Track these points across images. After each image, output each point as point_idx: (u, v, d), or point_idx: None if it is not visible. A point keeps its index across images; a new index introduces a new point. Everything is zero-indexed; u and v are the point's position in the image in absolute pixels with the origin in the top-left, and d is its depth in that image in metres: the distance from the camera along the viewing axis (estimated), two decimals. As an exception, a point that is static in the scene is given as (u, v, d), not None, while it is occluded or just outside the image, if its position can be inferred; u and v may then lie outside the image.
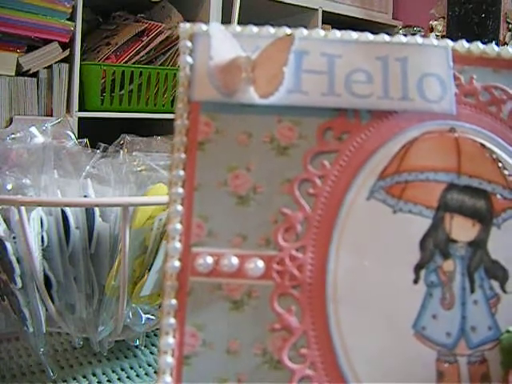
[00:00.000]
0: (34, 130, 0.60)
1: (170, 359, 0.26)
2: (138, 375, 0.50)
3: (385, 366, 0.26)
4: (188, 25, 0.29)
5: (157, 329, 0.55)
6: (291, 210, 0.27)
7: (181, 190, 0.27)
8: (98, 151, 0.59)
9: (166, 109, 1.91)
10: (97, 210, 0.51)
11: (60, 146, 0.58)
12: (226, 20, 1.79)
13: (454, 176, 0.28)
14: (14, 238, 0.49)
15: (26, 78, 1.66)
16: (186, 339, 0.26)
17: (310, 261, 0.27)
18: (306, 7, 2.23)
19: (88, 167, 0.56)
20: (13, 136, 0.59)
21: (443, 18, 2.03)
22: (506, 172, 0.28)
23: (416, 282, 0.27)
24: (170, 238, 0.27)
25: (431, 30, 2.10)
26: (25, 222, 0.46)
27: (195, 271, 0.26)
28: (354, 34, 0.29)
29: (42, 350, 0.47)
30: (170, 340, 0.26)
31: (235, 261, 0.26)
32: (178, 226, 0.27)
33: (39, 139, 0.59)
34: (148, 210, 0.51)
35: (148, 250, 0.52)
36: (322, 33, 0.29)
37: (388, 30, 2.44)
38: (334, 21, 2.26)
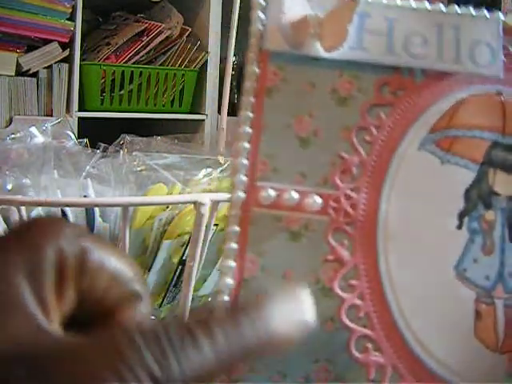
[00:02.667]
0: (34, 129, 0.61)
1: (230, 281, 0.28)
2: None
3: (427, 302, 0.28)
4: (261, -16, 0.31)
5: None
6: (348, 154, 0.30)
7: (248, 129, 0.29)
8: (98, 151, 0.61)
9: (165, 109, 1.92)
10: (97, 210, 0.52)
11: (60, 145, 0.60)
12: (226, 20, 1.80)
13: (499, 135, 0.30)
14: None
15: (25, 77, 1.67)
16: (246, 264, 0.28)
17: (364, 201, 0.29)
18: None
19: (88, 167, 0.57)
20: (13, 136, 0.60)
21: None
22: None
23: (459, 227, 0.29)
24: (237, 172, 0.29)
25: None
26: None
27: (258, 203, 0.29)
28: (413, 3, 0.31)
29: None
30: (232, 263, 0.28)
31: (295, 195, 0.29)
32: (245, 161, 0.29)
33: (39, 139, 0.60)
34: (148, 209, 0.53)
35: (148, 250, 0.54)
36: (384, 0, 0.31)
37: None
38: None
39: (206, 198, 0.48)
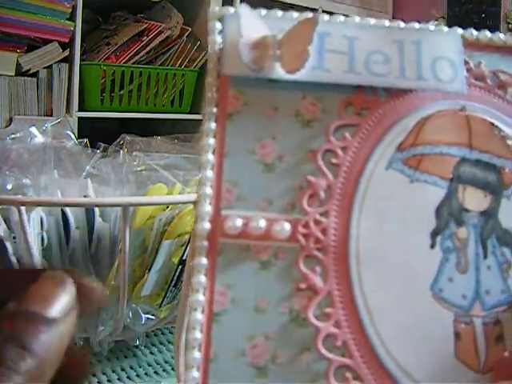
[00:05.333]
0: (33, 129, 0.60)
1: (199, 316, 0.27)
2: (138, 375, 0.51)
3: (405, 326, 0.28)
4: (217, 8, 0.31)
5: (157, 329, 0.55)
6: (315, 177, 0.29)
7: (211, 157, 0.28)
8: (98, 151, 0.60)
9: (165, 109, 1.90)
10: (97, 210, 0.52)
11: (60, 145, 0.59)
12: None
13: (466, 151, 0.30)
14: (14, 237, 0.49)
15: (25, 77, 1.65)
16: (215, 297, 0.27)
17: (334, 225, 0.28)
18: (306, 7, 2.23)
19: (88, 167, 0.57)
20: (13, 136, 0.59)
21: (443, 18, 2.08)
22: (513, 148, 0.30)
23: (432, 247, 0.28)
24: (201, 202, 0.28)
25: None
26: (25, 221, 0.46)
27: (225, 233, 0.28)
28: (372, 20, 0.31)
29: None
30: (201, 297, 0.27)
31: (263, 223, 0.28)
32: (209, 191, 0.28)
33: (39, 139, 0.59)
34: (148, 209, 0.52)
35: (148, 250, 0.53)
36: (342, 18, 0.31)
37: None
38: None
39: None
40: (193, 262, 0.27)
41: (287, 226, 0.28)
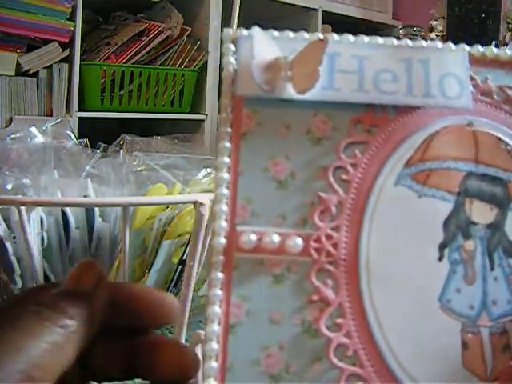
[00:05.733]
0: (33, 129, 0.61)
1: (216, 327, 0.28)
2: (137, 375, 0.52)
3: (414, 336, 0.29)
4: (230, 30, 0.32)
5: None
6: (326, 193, 0.30)
7: (226, 175, 0.30)
8: (98, 151, 0.61)
9: (165, 109, 1.91)
10: (97, 210, 0.53)
11: (60, 145, 0.60)
12: (225, 20, 1.81)
13: (473, 165, 0.31)
14: (14, 237, 0.50)
15: (25, 77, 1.66)
16: (231, 309, 0.28)
17: (344, 239, 0.29)
18: (306, 7, 2.22)
19: (88, 167, 0.58)
20: (13, 136, 0.60)
21: (443, 18, 2.06)
22: (519, 162, 0.31)
23: (440, 259, 0.30)
24: (217, 218, 0.29)
25: (431, 29, 2.12)
26: (25, 221, 0.48)
27: (240, 248, 0.29)
28: (380, 40, 0.32)
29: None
30: (217, 309, 0.28)
31: (276, 238, 0.29)
32: (224, 208, 0.29)
33: (39, 139, 0.60)
34: (148, 209, 0.53)
35: (148, 250, 0.54)
36: (351, 38, 0.32)
37: (388, 29, 2.42)
38: (334, 21, 2.25)
39: (206, 198, 0.48)
40: (210, 276, 0.29)
41: (300, 241, 0.29)
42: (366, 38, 0.32)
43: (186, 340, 0.43)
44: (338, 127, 0.31)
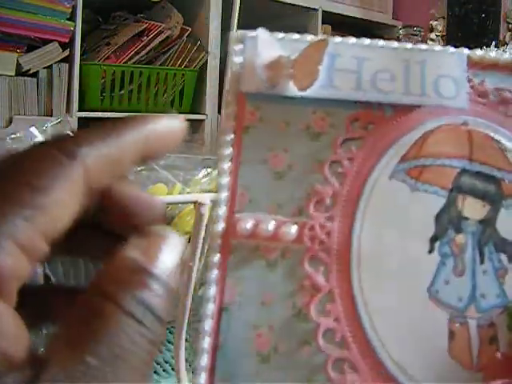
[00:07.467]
0: (33, 129, 0.63)
1: (211, 306, 0.30)
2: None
3: (401, 323, 0.30)
4: (238, 32, 0.34)
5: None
6: (322, 186, 0.31)
7: (229, 165, 0.32)
8: None
9: (166, 109, 1.91)
10: None
11: None
12: (225, 20, 1.81)
13: (466, 162, 0.32)
14: None
15: (25, 77, 1.67)
16: (226, 289, 0.30)
17: (338, 229, 0.31)
18: (306, 7, 2.20)
19: None
20: (13, 136, 0.62)
21: (443, 18, 2.04)
22: (513, 161, 0.32)
23: (431, 252, 0.31)
24: (218, 205, 0.31)
25: (431, 29, 2.09)
26: None
27: (237, 233, 0.31)
28: (381, 42, 0.34)
29: (41, 349, 0.49)
30: (213, 290, 0.30)
31: (272, 226, 0.31)
32: (225, 196, 0.31)
33: (39, 139, 0.62)
34: None
35: None
36: (352, 40, 0.34)
37: (388, 29, 2.39)
38: (334, 21, 2.24)
39: (206, 198, 0.50)
40: (208, 259, 0.30)
41: (294, 229, 0.31)
42: (366, 40, 0.33)
43: (186, 340, 0.44)
44: (336, 124, 0.32)
